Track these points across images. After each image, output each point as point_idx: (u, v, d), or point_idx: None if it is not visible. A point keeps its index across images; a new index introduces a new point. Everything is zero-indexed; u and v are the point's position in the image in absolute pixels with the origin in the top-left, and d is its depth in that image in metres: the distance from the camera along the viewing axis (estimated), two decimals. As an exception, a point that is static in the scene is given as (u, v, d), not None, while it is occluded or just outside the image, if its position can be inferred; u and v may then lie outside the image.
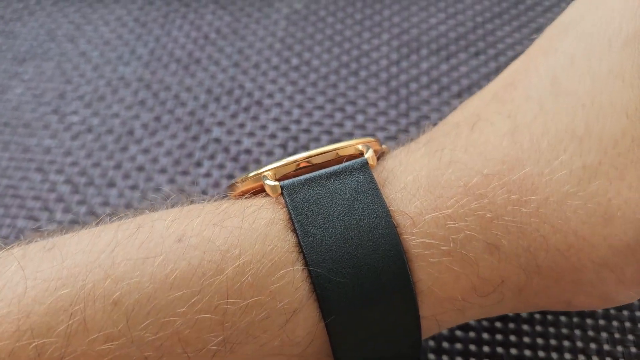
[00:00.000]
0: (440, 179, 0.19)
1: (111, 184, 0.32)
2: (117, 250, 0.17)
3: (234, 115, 0.35)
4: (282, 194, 0.19)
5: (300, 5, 0.40)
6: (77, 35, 0.40)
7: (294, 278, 0.18)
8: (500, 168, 0.19)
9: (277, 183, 0.19)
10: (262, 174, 0.20)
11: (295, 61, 0.37)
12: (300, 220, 0.18)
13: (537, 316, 0.27)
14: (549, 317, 0.27)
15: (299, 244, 0.18)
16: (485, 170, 0.19)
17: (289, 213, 0.18)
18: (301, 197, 0.19)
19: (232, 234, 0.18)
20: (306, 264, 0.18)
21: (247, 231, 0.18)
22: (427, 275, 0.19)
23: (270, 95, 0.36)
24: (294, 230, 0.18)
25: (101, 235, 0.18)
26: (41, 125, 0.35)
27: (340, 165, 0.20)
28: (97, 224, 0.19)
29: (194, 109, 0.35)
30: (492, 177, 0.19)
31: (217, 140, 0.34)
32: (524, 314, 0.27)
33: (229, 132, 0.34)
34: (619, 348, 0.26)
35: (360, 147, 0.20)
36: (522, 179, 0.18)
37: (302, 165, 0.20)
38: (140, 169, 0.33)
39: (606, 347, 0.26)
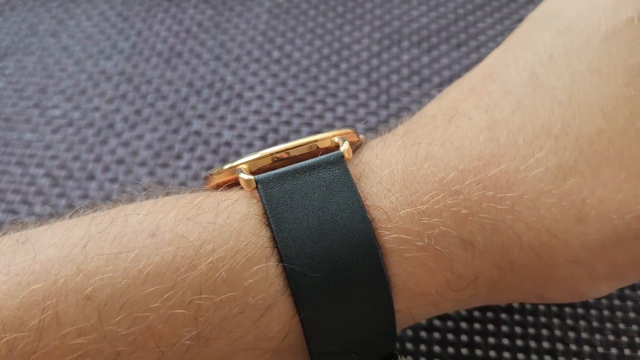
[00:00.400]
0: (416, 174, 0.19)
1: (91, 177, 0.32)
2: (90, 245, 0.17)
3: (214, 108, 0.35)
4: (256, 187, 0.19)
5: (282, -1, 0.40)
6: (59, 30, 0.40)
7: (268, 274, 0.18)
8: (476, 164, 0.19)
9: (251, 177, 0.19)
10: (237, 167, 0.19)
11: (276, 54, 0.37)
12: (274, 215, 0.18)
13: (516, 305, 0.27)
14: (528, 306, 0.27)
15: (274, 239, 0.18)
16: (462, 166, 0.19)
17: (264, 208, 0.18)
18: (276, 191, 0.18)
19: (206, 230, 0.18)
20: (281, 259, 0.18)
21: (221, 227, 0.18)
22: (402, 270, 0.19)
23: (251, 88, 0.36)
24: (269, 225, 0.18)
25: (74, 229, 0.18)
26: (22, 119, 0.35)
27: (316, 159, 0.19)
28: (71, 217, 0.19)
29: (175, 102, 0.35)
30: (468, 173, 0.19)
31: (197, 133, 0.34)
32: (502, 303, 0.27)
33: (209, 125, 0.34)
34: (597, 336, 0.26)
35: (336, 139, 0.20)
36: (497, 176, 0.18)
37: (277, 157, 0.20)
38: (120, 162, 0.33)
39: (584, 335, 0.26)
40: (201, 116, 0.34)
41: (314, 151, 0.20)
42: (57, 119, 0.35)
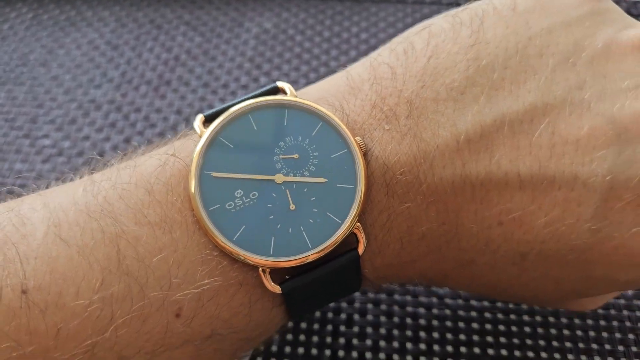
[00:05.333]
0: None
1: (80, 207, 0.32)
2: None
3: (203, 135, 0.35)
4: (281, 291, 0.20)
5: (269, 25, 0.41)
6: (50, 60, 0.40)
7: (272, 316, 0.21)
8: None
9: (278, 287, 0.20)
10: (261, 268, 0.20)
11: (263, 80, 0.38)
12: (293, 312, 0.21)
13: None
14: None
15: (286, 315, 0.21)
16: None
17: (285, 307, 0.21)
18: (294, 290, 0.20)
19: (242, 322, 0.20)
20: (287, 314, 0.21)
21: (254, 324, 0.20)
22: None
23: (239, 114, 0.36)
24: (285, 312, 0.21)
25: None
26: (13, 149, 0.35)
27: (336, 266, 0.20)
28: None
29: (164, 129, 0.36)
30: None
31: (186, 160, 0.34)
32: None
33: (198, 152, 0.34)
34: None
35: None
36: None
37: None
38: (110, 190, 0.33)
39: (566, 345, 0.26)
40: (190, 143, 0.35)
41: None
42: (48, 148, 0.35)
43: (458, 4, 0.42)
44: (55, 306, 0.17)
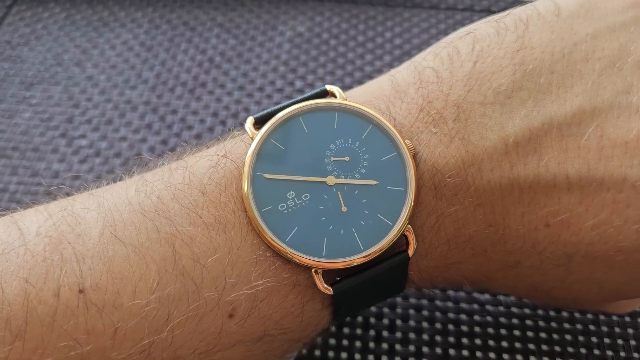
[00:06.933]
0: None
1: (119, 207, 0.32)
2: None
3: (239, 138, 0.35)
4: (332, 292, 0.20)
5: (303, 28, 0.41)
6: (84, 60, 0.40)
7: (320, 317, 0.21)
8: None
9: (330, 288, 0.20)
10: (315, 269, 0.20)
11: (298, 83, 0.38)
12: (339, 314, 0.21)
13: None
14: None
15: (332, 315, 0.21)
16: None
17: (333, 308, 0.21)
18: (345, 291, 0.20)
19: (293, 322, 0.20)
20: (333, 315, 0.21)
21: (304, 325, 0.21)
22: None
23: (275, 118, 0.36)
24: (332, 313, 0.21)
25: None
26: (50, 149, 0.35)
27: (387, 268, 0.20)
28: None
29: (201, 131, 0.36)
30: None
31: (223, 163, 0.34)
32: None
33: (235, 155, 0.34)
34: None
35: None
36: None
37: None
38: (148, 192, 0.33)
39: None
40: (226, 146, 0.35)
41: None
42: (85, 148, 0.35)
43: (490, 11, 0.42)
44: (113, 306, 0.17)
